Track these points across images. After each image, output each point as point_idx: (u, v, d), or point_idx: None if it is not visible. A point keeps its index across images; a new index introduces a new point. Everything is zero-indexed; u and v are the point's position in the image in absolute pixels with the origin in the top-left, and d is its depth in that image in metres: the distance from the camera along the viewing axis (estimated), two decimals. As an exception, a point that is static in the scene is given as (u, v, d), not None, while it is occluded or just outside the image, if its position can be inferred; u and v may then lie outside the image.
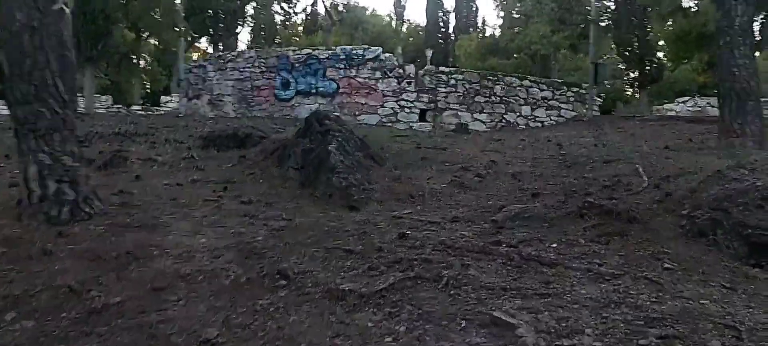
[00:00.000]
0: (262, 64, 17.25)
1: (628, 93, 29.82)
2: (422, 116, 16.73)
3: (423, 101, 16.75)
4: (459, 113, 16.90)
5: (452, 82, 16.99)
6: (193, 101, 19.65)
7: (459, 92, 17.00)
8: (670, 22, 17.43)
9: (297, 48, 18.40)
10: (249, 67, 17.46)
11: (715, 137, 8.82)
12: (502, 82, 17.46)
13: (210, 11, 30.77)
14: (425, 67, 17.45)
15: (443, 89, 16.88)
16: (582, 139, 13.03)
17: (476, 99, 17.09)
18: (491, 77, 17.54)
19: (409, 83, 16.77)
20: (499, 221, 4.45)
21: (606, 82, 33.72)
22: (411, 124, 16.47)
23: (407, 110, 16.65)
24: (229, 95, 17.86)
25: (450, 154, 6.96)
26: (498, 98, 17.31)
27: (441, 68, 17.49)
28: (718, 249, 3.75)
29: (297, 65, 16.75)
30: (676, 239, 3.93)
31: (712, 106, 21.38)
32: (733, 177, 4.09)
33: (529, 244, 3.93)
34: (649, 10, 19.27)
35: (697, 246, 3.82)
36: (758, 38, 14.89)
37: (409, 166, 6.33)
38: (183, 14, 27.68)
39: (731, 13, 7.19)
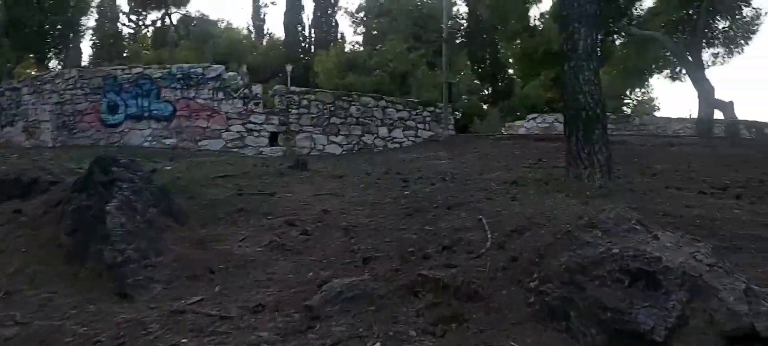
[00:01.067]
0: (86, 85, 15.10)
1: (484, 108, 30.66)
2: (273, 140, 15.55)
3: (273, 124, 15.58)
4: (313, 136, 15.95)
5: (305, 102, 16.00)
6: (6, 129, 16.96)
7: (313, 113, 16.05)
8: (517, 41, 17.78)
9: (126, 66, 16.41)
10: (70, 89, 15.21)
11: (564, 164, 8.66)
12: (357, 103, 16.76)
13: (35, 26, 27.20)
14: (275, 88, 16.33)
15: (295, 110, 15.83)
16: (436, 164, 12.59)
17: (331, 120, 16.23)
18: (346, 98, 16.79)
19: (257, 104, 15.52)
20: (314, 307, 3.46)
21: (464, 97, 34.71)
22: (260, 149, 15.23)
23: (256, 134, 15.37)
24: (46, 121, 15.47)
25: (277, 200, 5.92)
26: (354, 119, 16.59)
27: (292, 88, 16.46)
28: (573, 337, 3.04)
29: (126, 86, 14.83)
30: (523, 323, 3.17)
31: (559, 123, 22.32)
32: (586, 240, 3.42)
33: (347, 345, 3.00)
34: (498, 29, 19.74)
35: (549, 333, 3.09)
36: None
37: (220, 221, 5.20)
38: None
39: (575, 37, 6.85)
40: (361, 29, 37.58)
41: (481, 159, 13.53)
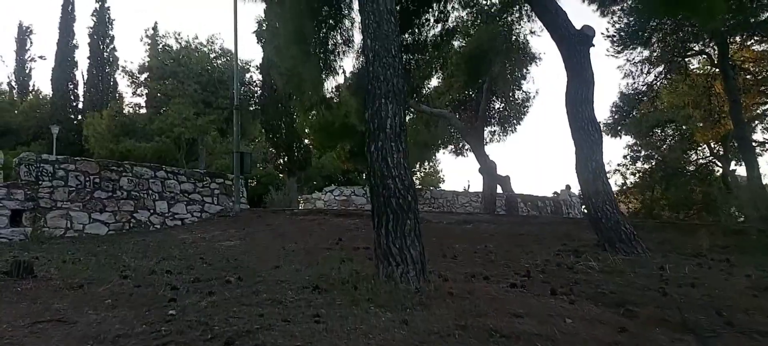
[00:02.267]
0: None
1: (280, 177, 29.39)
2: (15, 219, 12.40)
3: (17, 199, 12.44)
4: (71, 213, 13.09)
5: (61, 173, 13.14)
6: None
7: (71, 186, 13.23)
8: (313, 112, 16.97)
9: None
10: None
11: (371, 254, 7.65)
12: (130, 173, 14.29)
13: None
14: (21, 155, 13.21)
15: (48, 182, 12.89)
16: (223, 247, 10.83)
17: (96, 194, 13.53)
18: (115, 167, 14.22)
19: (-7, 176, 12.37)
20: None
21: (259, 165, 33.09)
22: (-4, 231, 12.03)
23: (-10, 213, 12.14)
24: None
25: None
26: (125, 193, 14.07)
27: (44, 156, 13.47)
28: None
29: None
30: None
31: (356, 196, 21.91)
32: None
33: None
34: (293, 98, 18.78)
35: None
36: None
37: None
38: None
39: (381, 115, 5.89)
40: (142, 91, 34.23)
41: (277, 239, 12.07)
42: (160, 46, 33.71)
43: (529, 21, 18.15)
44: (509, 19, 17.60)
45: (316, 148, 23.30)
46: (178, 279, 6.28)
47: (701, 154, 30.58)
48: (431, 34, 15.24)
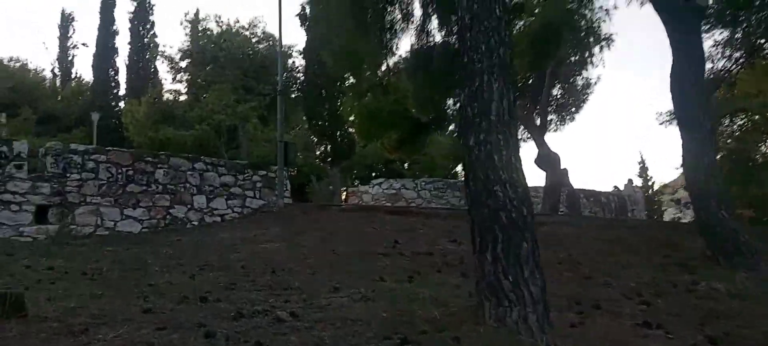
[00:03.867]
0: None
1: (322, 166, 28.11)
2: (41, 215, 11.31)
3: (43, 193, 11.33)
4: (101, 209, 11.94)
5: (91, 165, 11.98)
6: None
7: (102, 179, 12.08)
8: (364, 97, 15.48)
9: None
10: None
11: (434, 261, 6.18)
12: (166, 165, 13.07)
13: None
14: (47, 145, 12.12)
15: (77, 175, 11.75)
16: (267, 252, 9.43)
17: (129, 188, 12.35)
18: (150, 159, 13.00)
19: (19, 167, 11.25)
20: None
21: (299, 155, 31.87)
22: (21, 228, 10.94)
23: (14, 208, 11.02)
24: None
25: None
26: (161, 186, 12.86)
27: (73, 146, 12.35)
28: None
29: None
30: None
31: (407, 189, 20.39)
32: None
33: None
34: (346, 85, 17.22)
35: None
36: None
37: None
38: None
39: (484, 96, 4.33)
40: (182, 76, 33.26)
41: (326, 242, 10.66)
42: (201, 30, 32.63)
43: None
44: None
45: (362, 136, 21.83)
46: (215, 311, 4.87)
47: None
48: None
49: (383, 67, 12.09)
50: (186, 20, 33.74)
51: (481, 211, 4.29)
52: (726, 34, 19.94)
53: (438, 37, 12.08)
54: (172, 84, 40.66)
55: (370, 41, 10.07)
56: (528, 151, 27.16)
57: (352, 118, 20.27)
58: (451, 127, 24.50)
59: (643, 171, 55.65)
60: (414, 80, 11.92)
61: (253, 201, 14.48)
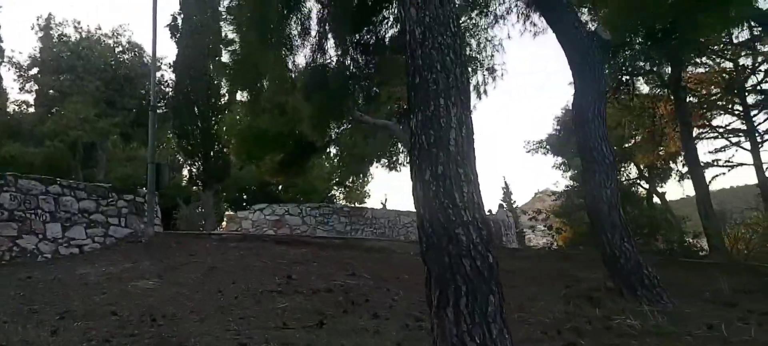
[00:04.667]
0: None
1: (192, 189, 26.13)
2: None
3: None
4: (-74, 241, 9.86)
5: None
6: None
7: (-73, 205, 10.01)
8: (249, 115, 14.40)
9: None
10: None
11: (335, 298, 5.47)
12: (12, 188, 11.18)
13: None
14: None
15: None
16: (137, 296, 8.12)
17: (-37, 215, 10.37)
18: (-8, 180, 11.06)
19: None
20: None
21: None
22: None
23: None
24: None
25: None
26: (6, 213, 10.95)
27: None
28: None
29: None
30: None
31: (292, 215, 19.34)
32: None
33: None
34: (223, 102, 15.88)
35: None
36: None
37: None
38: None
39: (441, 122, 3.83)
40: (32, 86, 29.66)
41: (209, 279, 9.48)
42: (57, 36, 29.34)
43: (520, 21, 15.75)
44: (481, 21, 15.56)
45: (241, 157, 20.51)
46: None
47: (625, 176, 30.23)
48: (390, 34, 13.14)
49: (284, 86, 11.21)
50: (37, 24, 30.28)
51: (441, 258, 3.67)
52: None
53: (334, 56, 11.51)
54: (19, 94, 36.31)
55: (270, 56, 9.19)
56: (405, 179, 27.27)
57: (231, 138, 18.94)
58: (333, 151, 23.94)
59: (507, 196, 58.75)
60: (309, 100, 11.18)
61: (117, 229, 12.85)
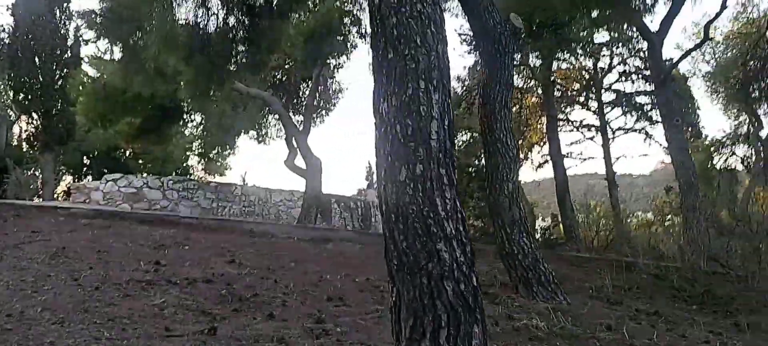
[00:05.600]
0: None
1: (28, 152, 22.90)
2: None
3: None
4: None
5: None
6: None
7: None
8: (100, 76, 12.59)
9: None
10: None
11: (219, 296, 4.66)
12: None
13: None
14: None
15: None
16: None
17: None
18: None
19: None
20: None
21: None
22: None
23: None
24: None
25: None
26: None
27: None
28: None
29: None
30: None
31: (151, 188, 17.51)
32: None
33: None
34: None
35: None
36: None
37: None
38: None
39: (421, 110, 3.09)
40: None
41: (60, 262, 7.93)
42: None
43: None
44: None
45: (91, 120, 18.11)
46: None
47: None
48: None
49: (169, 43, 9.74)
50: None
51: (417, 279, 2.97)
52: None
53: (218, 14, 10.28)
54: None
55: (154, 6, 7.82)
56: (281, 153, 26.31)
57: (81, 95, 16.62)
58: (198, 118, 22.18)
59: (370, 175, 59.40)
60: (189, 62, 9.88)
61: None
